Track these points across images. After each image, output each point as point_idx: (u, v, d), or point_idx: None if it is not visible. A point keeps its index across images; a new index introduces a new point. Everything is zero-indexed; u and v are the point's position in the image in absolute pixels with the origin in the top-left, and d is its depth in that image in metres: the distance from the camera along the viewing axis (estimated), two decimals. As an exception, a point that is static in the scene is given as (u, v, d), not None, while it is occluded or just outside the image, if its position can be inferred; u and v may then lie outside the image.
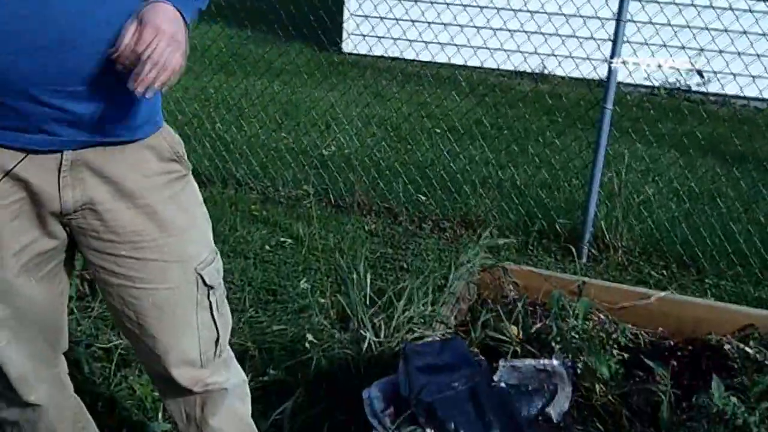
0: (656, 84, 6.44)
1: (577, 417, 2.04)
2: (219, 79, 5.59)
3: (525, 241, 3.64)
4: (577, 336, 2.22)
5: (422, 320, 2.35)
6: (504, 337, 2.27)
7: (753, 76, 4.82)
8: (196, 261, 1.51)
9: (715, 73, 5.97)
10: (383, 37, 6.20)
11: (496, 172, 4.26)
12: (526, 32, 5.95)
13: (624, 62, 3.71)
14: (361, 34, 6.47)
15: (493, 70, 6.49)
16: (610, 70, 3.39)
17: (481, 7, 6.04)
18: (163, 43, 1.25)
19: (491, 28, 6.14)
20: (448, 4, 6.04)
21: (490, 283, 2.69)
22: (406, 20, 5.92)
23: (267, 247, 3.44)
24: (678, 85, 6.66)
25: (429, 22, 6.14)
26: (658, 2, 4.13)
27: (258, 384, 2.31)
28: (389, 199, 3.94)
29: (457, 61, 6.13)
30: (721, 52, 4.53)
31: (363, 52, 6.44)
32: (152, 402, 2.22)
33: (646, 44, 5.35)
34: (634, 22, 5.21)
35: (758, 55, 4.58)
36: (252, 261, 3.28)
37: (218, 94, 5.46)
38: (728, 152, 4.93)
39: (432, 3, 6.04)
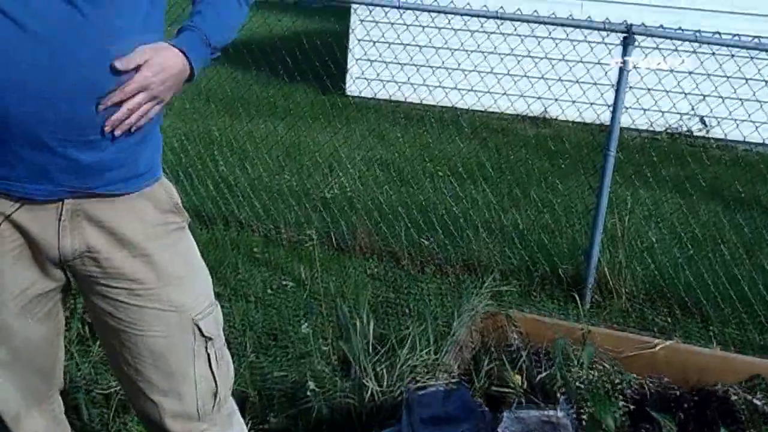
0: (658, 129, 6.46)
1: (583, 469, 2.01)
2: (224, 121, 5.63)
3: (528, 285, 3.63)
4: (582, 386, 2.20)
5: (425, 368, 2.33)
6: (508, 387, 2.25)
7: (755, 123, 4.85)
8: (194, 311, 1.50)
9: (717, 119, 6.02)
10: (387, 81, 6.25)
11: (499, 215, 4.26)
12: (529, 77, 6.01)
13: (627, 109, 3.73)
14: (365, 78, 6.52)
15: (496, 113, 6.53)
16: (613, 118, 3.40)
17: (485, 53, 6.11)
18: (143, 95, 1.33)
19: (494, 73, 6.20)
20: (451, 49, 6.09)
21: (494, 330, 2.67)
22: (410, 65, 5.99)
23: (269, 290, 3.43)
24: (680, 129, 6.69)
25: (432, 67, 6.21)
26: (660, 49, 4.16)
27: (258, 431, 2.28)
28: (391, 241, 3.93)
29: (461, 105, 6.18)
30: (723, 98, 4.55)
31: (367, 95, 6.49)
32: (150, 449, 2.19)
33: (649, 90, 5.39)
34: (636, 68, 5.26)
35: (760, 102, 4.62)
36: (253, 304, 3.26)
37: (223, 135, 5.48)
38: (731, 197, 4.93)
39: (435, 48, 6.09)
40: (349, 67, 7.32)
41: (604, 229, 3.58)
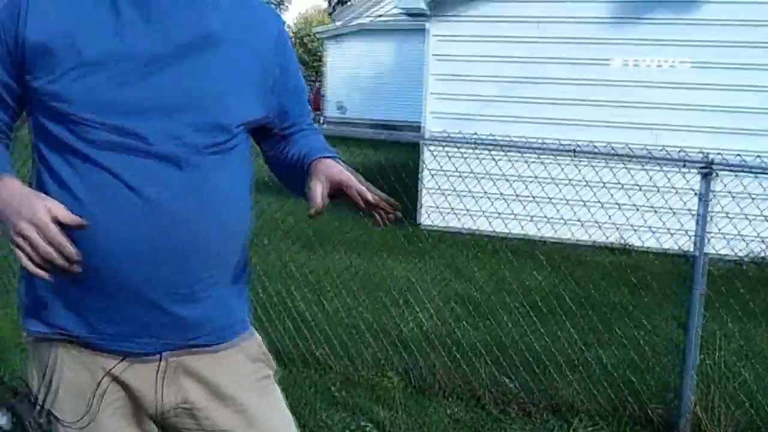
0: (743, 256, 6.28)
1: None
2: (300, 255, 5.71)
3: (617, 427, 3.46)
4: None
5: None
6: None
7: None
8: None
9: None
10: (460, 212, 6.29)
11: (582, 351, 4.13)
12: (604, 206, 5.97)
13: (709, 240, 3.64)
14: (439, 209, 6.58)
15: (571, 243, 6.47)
16: (698, 252, 3.31)
17: (559, 182, 6.11)
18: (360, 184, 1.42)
19: (569, 202, 6.18)
20: (523, 178, 6.12)
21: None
22: (483, 195, 6.03)
23: (348, 433, 3.36)
24: (766, 257, 6.48)
25: (506, 197, 6.23)
26: (739, 175, 4.09)
27: None
28: (471, 380, 3.83)
29: (535, 234, 6.15)
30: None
31: (440, 225, 6.53)
32: None
33: (731, 219, 5.27)
34: (715, 192, 5.18)
35: None
36: (333, 448, 3.20)
37: (299, 270, 5.55)
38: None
39: (507, 178, 6.14)
40: (422, 198, 7.42)
41: (693, 366, 3.43)
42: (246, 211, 1.49)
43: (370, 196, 1.38)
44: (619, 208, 6.10)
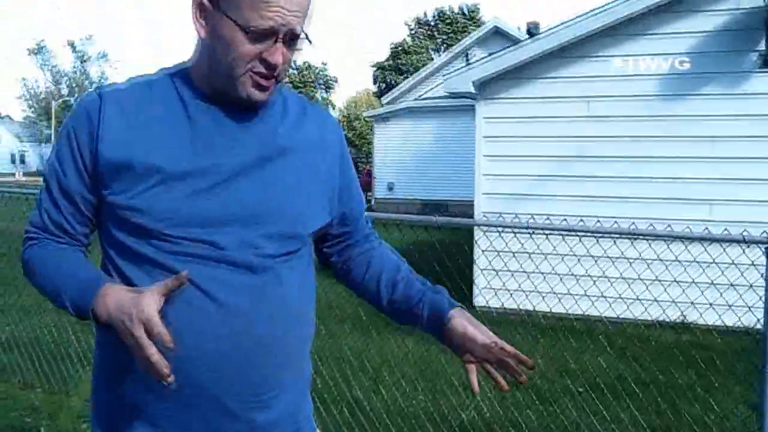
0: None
1: None
2: (355, 339, 5.69)
3: None
4: None
5: None
6: None
7: None
8: None
9: None
10: (514, 291, 6.22)
11: (648, 436, 4.00)
12: (661, 281, 5.85)
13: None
14: (492, 288, 6.52)
15: (631, 321, 6.34)
16: (765, 328, 3.21)
17: (613, 258, 6.03)
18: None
19: (624, 278, 6.08)
20: (578, 256, 6.06)
21: None
22: (536, 273, 5.96)
23: None
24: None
25: (559, 274, 6.15)
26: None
27: None
28: (536, 469, 3.73)
29: (592, 312, 6.05)
30: None
31: (494, 305, 6.46)
32: None
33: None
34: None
35: None
36: None
37: (354, 355, 5.52)
38: None
39: (561, 255, 6.08)
40: (474, 278, 7.37)
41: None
42: (312, 313, 1.52)
43: (523, 357, 1.49)
44: (678, 284, 5.99)
